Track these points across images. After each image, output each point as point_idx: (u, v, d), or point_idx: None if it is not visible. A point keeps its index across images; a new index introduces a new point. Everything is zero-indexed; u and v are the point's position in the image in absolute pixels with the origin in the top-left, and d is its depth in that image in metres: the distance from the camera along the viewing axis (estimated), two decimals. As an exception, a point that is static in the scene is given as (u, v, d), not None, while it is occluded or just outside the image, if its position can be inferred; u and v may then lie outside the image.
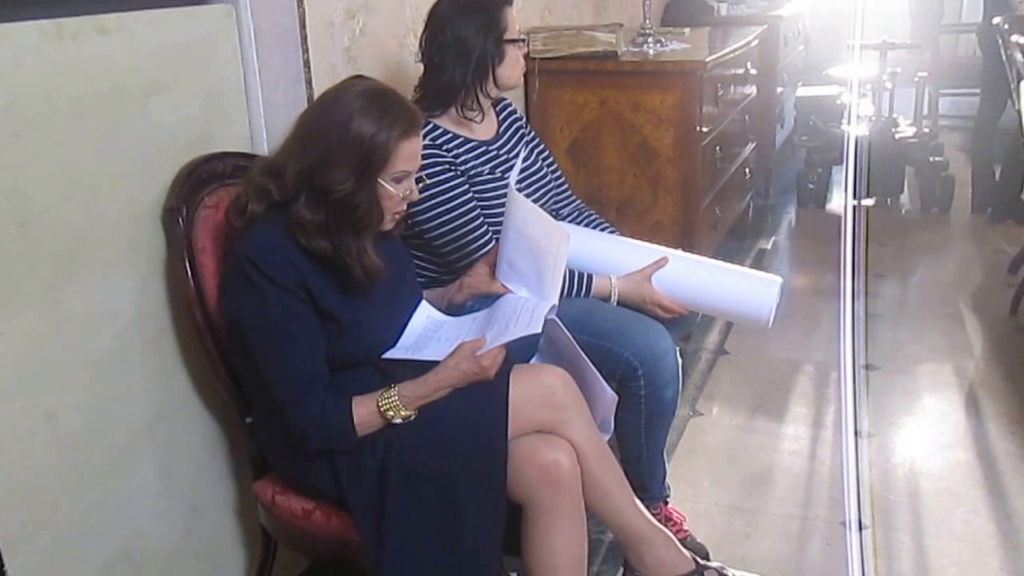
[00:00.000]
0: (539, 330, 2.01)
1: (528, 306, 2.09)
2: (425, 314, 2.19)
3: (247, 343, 1.90)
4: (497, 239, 2.42)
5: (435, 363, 1.98)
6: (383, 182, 1.91)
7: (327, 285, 1.92)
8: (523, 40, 2.56)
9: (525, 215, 2.15)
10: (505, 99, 2.70)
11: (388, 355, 2.06)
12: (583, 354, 2.15)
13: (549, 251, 2.12)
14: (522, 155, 2.45)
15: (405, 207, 2.00)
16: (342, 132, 1.86)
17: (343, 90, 1.94)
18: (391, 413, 1.90)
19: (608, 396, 2.18)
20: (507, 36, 2.48)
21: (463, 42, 2.45)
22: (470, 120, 2.52)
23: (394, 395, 1.91)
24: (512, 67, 2.52)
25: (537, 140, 2.79)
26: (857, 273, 4.04)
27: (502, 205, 2.47)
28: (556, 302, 2.09)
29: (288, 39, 2.36)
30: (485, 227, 2.46)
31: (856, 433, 3.20)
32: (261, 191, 1.91)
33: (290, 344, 1.87)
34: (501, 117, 2.68)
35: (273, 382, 1.88)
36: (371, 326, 2.02)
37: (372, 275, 1.94)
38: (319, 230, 1.88)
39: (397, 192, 1.94)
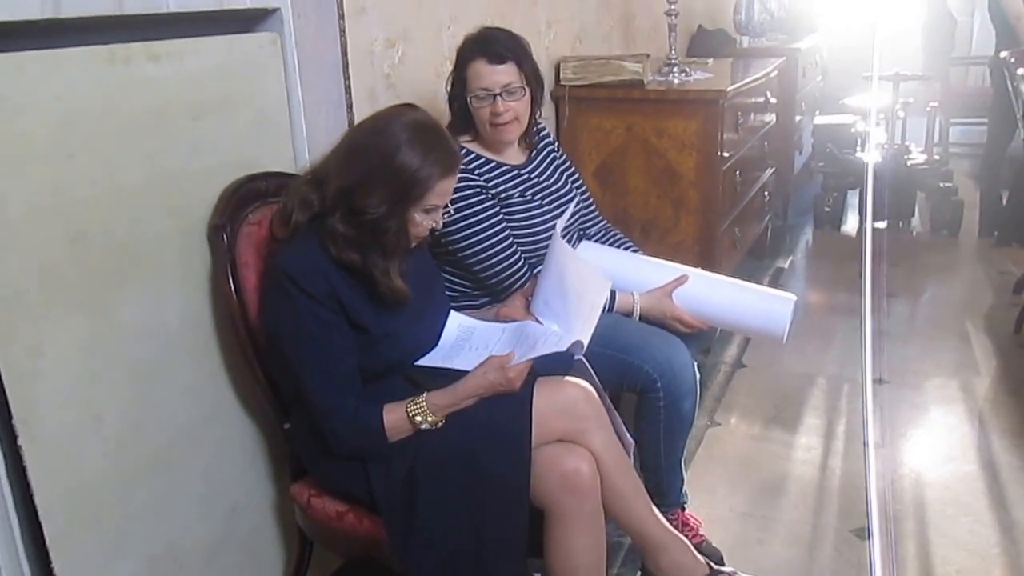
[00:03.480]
0: (564, 349, 1.99)
1: (558, 332, 2.07)
2: (457, 322, 2.18)
3: (283, 352, 1.88)
4: (530, 263, 2.43)
5: (464, 372, 1.95)
6: (414, 212, 1.90)
7: (358, 298, 1.90)
8: (498, 95, 2.39)
9: (564, 262, 2.13)
10: (540, 124, 2.64)
11: (421, 362, 2.04)
12: (607, 397, 2.10)
13: (585, 300, 2.09)
14: (570, 209, 2.40)
15: (428, 232, 1.98)
16: (386, 160, 1.84)
17: (394, 117, 1.91)
18: (419, 419, 1.87)
19: (626, 440, 2.13)
20: (468, 92, 2.41)
21: (453, 85, 2.47)
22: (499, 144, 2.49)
23: (423, 402, 1.89)
24: (480, 121, 2.44)
25: (568, 163, 2.75)
26: (880, 293, 3.98)
27: (532, 227, 2.47)
28: (585, 341, 2.04)
29: (331, 66, 2.34)
30: (515, 248, 2.43)
31: (865, 444, 3.14)
32: (304, 201, 1.90)
33: (323, 353, 1.85)
34: (534, 142, 2.64)
35: (308, 389, 1.86)
36: (401, 338, 1.99)
37: (397, 295, 1.92)
38: (350, 244, 1.86)
39: (424, 222, 1.93)
